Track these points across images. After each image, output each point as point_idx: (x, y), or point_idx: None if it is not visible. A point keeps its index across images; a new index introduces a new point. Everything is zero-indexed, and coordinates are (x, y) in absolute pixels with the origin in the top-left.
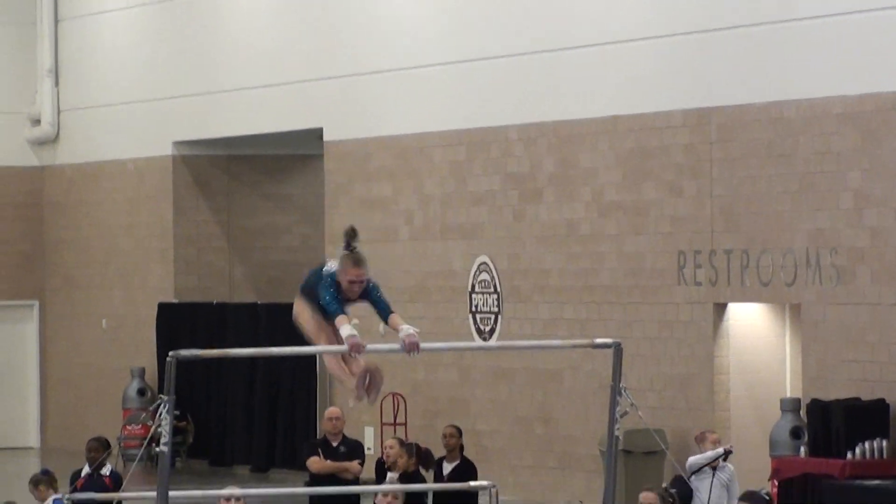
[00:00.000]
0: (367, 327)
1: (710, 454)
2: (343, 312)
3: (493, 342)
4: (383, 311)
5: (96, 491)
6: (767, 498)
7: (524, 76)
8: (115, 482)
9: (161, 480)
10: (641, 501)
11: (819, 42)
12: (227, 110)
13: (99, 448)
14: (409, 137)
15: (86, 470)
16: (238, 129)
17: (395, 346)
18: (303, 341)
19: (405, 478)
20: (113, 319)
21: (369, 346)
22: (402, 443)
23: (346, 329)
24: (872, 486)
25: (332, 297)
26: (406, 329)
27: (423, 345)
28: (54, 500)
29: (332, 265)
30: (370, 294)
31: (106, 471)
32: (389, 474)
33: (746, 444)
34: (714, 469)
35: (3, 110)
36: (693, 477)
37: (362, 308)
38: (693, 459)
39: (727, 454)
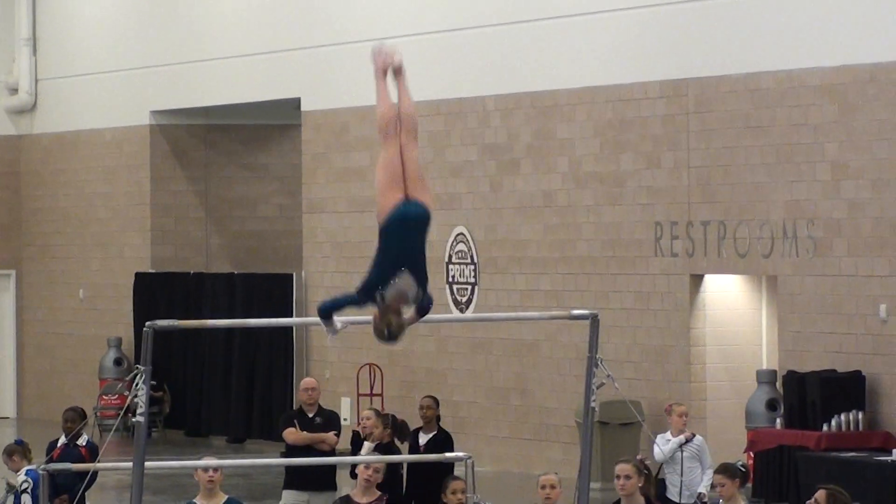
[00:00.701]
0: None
1: (672, 445)
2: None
3: (469, 314)
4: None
5: (73, 461)
6: (743, 469)
7: (501, 46)
8: (92, 452)
9: (137, 451)
10: (617, 472)
11: (796, 14)
12: (205, 80)
13: (76, 418)
14: None
15: (62, 440)
16: (216, 98)
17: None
18: (279, 315)
19: (381, 449)
20: (90, 289)
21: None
22: (378, 413)
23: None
24: (848, 457)
25: (344, 303)
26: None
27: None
28: (27, 471)
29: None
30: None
31: (82, 441)
32: (366, 444)
33: (722, 416)
34: (679, 444)
35: None
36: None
37: None
38: (657, 453)
39: (688, 441)
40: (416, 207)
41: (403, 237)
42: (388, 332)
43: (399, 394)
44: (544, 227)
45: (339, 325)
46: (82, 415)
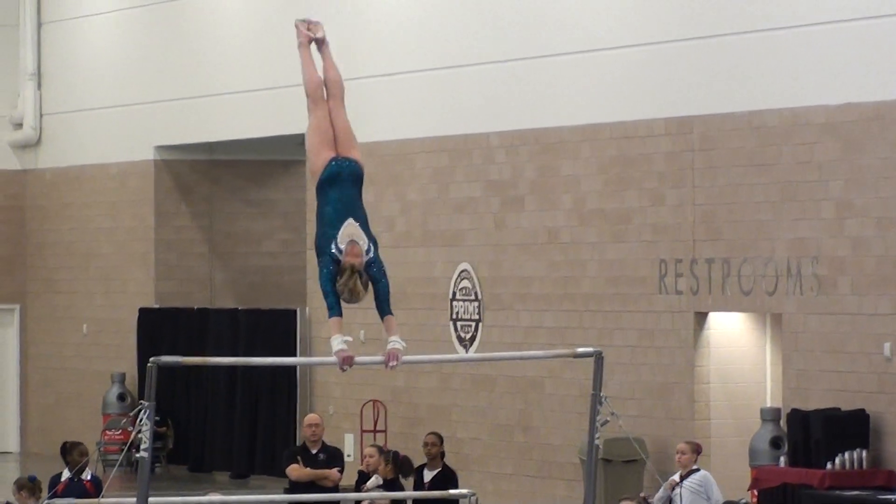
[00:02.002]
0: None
1: (660, 494)
2: (338, 314)
3: (473, 354)
4: (383, 306)
5: (77, 495)
6: None
7: (506, 83)
8: (97, 487)
9: (141, 486)
10: None
11: (801, 51)
12: (209, 115)
13: (86, 452)
14: (390, 144)
15: (66, 475)
16: (220, 133)
17: (378, 358)
18: (283, 351)
19: (385, 485)
20: (93, 324)
21: (359, 359)
22: (380, 450)
23: (336, 341)
24: (852, 496)
25: (329, 286)
26: (393, 342)
27: (403, 357)
28: None
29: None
30: (373, 276)
31: (87, 475)
32: (371, 480)
33: (726, 454)
34: (682, 479)
35: None
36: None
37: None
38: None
39: (675, 486)
40: (349, 163)
41: (340, 191)
42: (352, 287)
43: (403, 430)
44: (548, 264)
45: (341, 344)
46: (84, 451)
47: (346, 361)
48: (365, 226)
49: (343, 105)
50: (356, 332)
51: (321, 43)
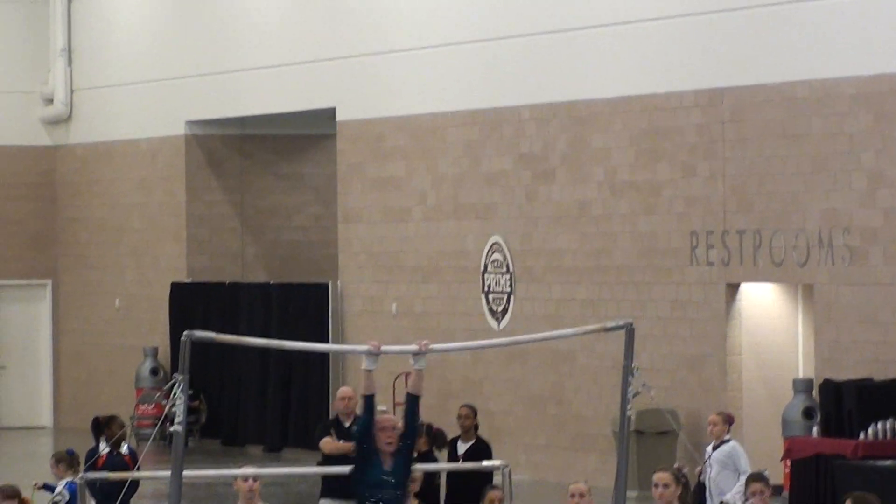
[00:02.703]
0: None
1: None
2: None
3: (502, 338)
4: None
5: (117, 468)
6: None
7: (537, 56)
8: (134, 460)
9: (175, 460)
10: (655, 481)
11: (832, 23)
12: (241, 90)
13: (123, 425)
14: (422, 117)
15: (103, 447)
16: (251, 108)
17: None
18: (315, 325)
19: (419, 458)
20: (125, 299)
21: (386, 348)
22: None
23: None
24: (885, 466)
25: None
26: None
27: (435, 345)
28: (68, 484)
29: None
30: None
31: (124, 449)
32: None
33: (759, 424)
34: (714, 449)
35: (15, 90)
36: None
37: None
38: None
39: (716, 448)
40: None
41: None
42: None
43: (435, 403)
44: (580, 237)
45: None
46: (121, 423)
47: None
48: None
49: None
50: (389, 306)
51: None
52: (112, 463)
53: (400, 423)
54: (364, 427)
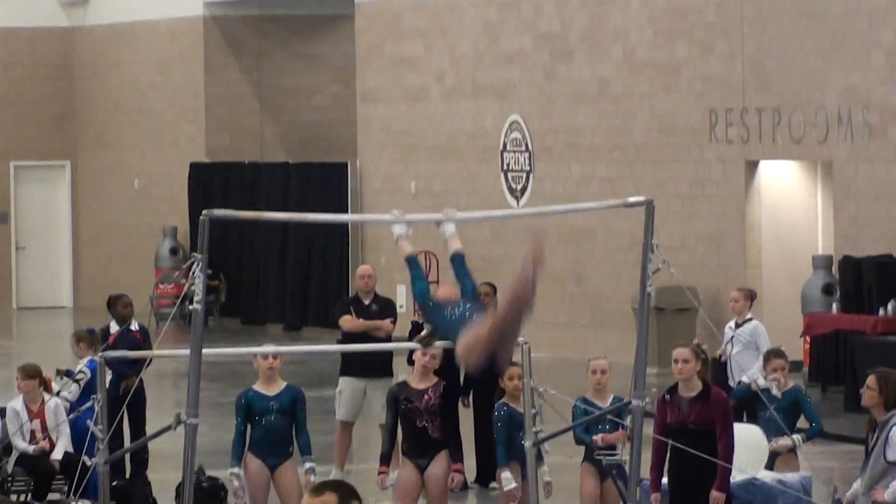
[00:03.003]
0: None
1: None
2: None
3: (524, 209)
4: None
5: (128, 346)
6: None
7: None
8: (144, 336)
9: (194, 338)
10: (675, 357)
11: None
12: None
13: (131, 304)
14: None
15: (114, 327)
16: None
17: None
18: (334, 204)
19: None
20: (145, 179)
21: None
22: None
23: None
24: None
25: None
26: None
27: (458, 214)
28: (89, 362)
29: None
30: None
31: (134, 326)
32: (425, 330)
33: (778, 301)
34: (735, 329)
35: None
36: (725, 340)
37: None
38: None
39: (739, 326)
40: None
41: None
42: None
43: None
44: (599, 115)
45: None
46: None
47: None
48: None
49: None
50: (408, 185)
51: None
52: (123, 340)
53: (456, 291)
54: (421, 293)
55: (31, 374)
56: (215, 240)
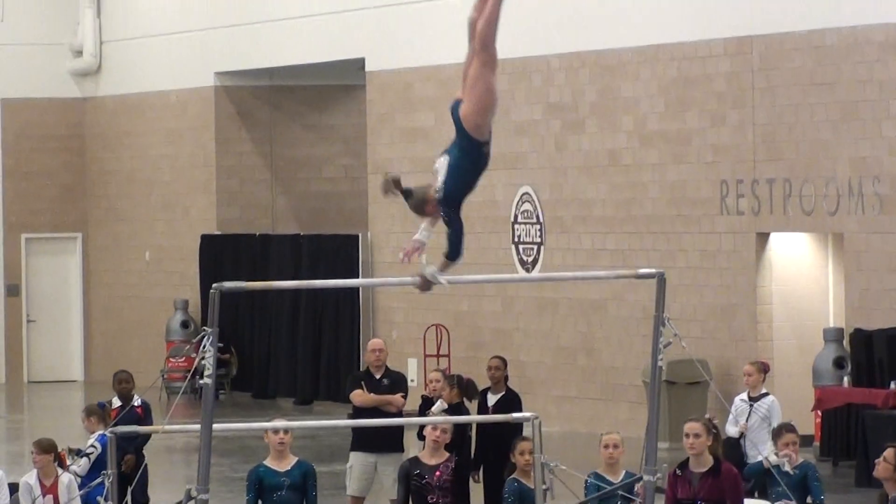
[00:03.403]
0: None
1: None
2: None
3: (535, 274)
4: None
5: (131, 421)
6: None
7: (566, 5)
8: (147, 412)
9: (205, 413)
10: (687, 431)
11: None
12: (270, 41)
13: (130, 379)
14: (450, 67)
15: (115, 402)
16: (280, 59)
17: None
18: (345, 276)
19: (450, 409)
20: (156, 251)
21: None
22: (444, 375)
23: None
24: None
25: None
26: (425, 266)
27: (466, 277)
28: (99, 436)
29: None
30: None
31: (137, 401)
32: (437, 403)
33: (789, 374)
34: (752, 403)
35: (45, 42)
36: (735, 413)
37: None
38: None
39: (755, 401)
40: (455, 106)
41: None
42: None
43: (466, 354)
44: (610, 186)
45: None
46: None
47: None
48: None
49: (479, 57)
50: (419, 257)
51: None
52: (125, 416)
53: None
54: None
55: (47, 448)
56: (226, 313)
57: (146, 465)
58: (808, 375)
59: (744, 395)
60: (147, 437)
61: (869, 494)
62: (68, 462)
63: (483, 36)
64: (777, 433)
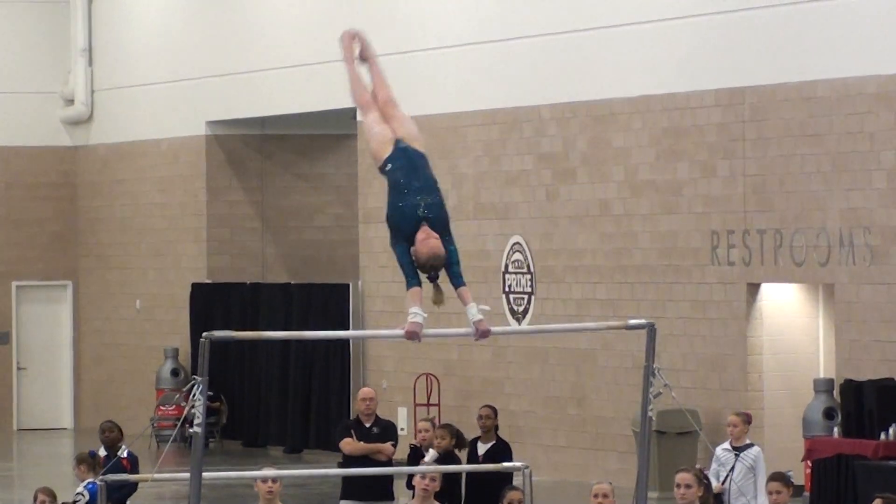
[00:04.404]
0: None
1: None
2: (417, 284)
3: (526, 326)
4: (455, 280)
5: (116, 472)
6: (793, 481)
7: (557, 55)
8: (133, 463)
9: (195, 461)
10: (678, 482)
11: (852, 21)
12: (261, 90)
13: (115, 429)
14: (441, 117)
15: (102, 452)
16: (271, 108)
17: (466, 330)
18: (336, 325)
19: (444, 458)
20: (146, 299)
21: (433, 331)
22: (434, 424)
23: (413, 311)
24: None
25: (405, 258)
26: (475, 313)
27: (450, 330)
28: (88, 484)
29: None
30: (448, 261)
31: (123, 453)
32: (430, 452)
33: (780, 425)
34: (737, 453)
35: (36, 90)
36: (718, 463)
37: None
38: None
39: (740, 451)
40: (411, 148)
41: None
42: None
43: (456, 403)
44: (600, 236)
45: (416, 317)
46: (120, 429)
47: (412, 336)
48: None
49: (396, 105)
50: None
51: (365, 58)
52: (111, 466)
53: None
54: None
55: (53, 495)
56: (216, 361)
57: None
58: (799, 426)
59: (726, 445)
60: (133, 489)
61: None
62: None
63: (392, 101)
64: (769, 480)
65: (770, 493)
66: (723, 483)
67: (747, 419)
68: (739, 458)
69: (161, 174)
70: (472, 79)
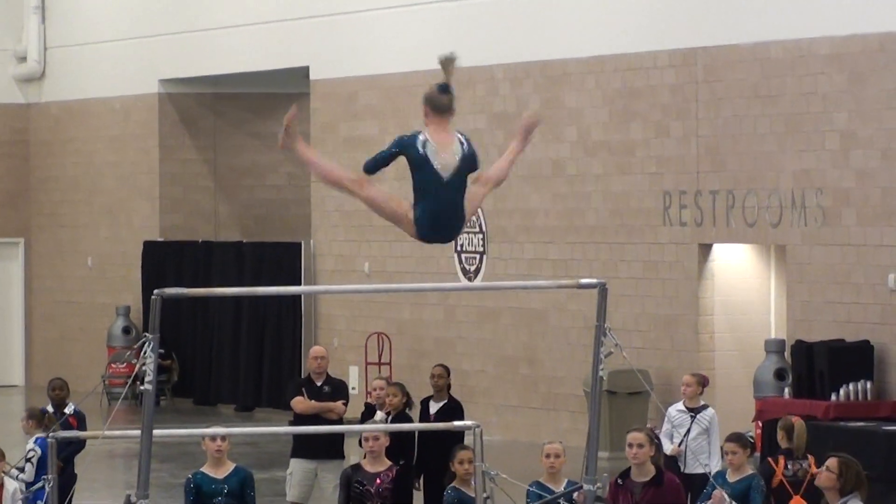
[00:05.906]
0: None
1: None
2: (365, 172)
3: (478, 283)
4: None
5: (63, 430)
6: (751, 440)
7: (510, 15)
8: (80, 421)
9: (145, 419)
10: (630, 441)
11: None
12: (214, 48)
13: (63, 387)
14: (395, 76)
15: (49, 409)
16: (224, 67)
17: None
18: (288, 282)
19: (398, 416)
20: (98, 257)
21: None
22: (388, 382)
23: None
24: (856, 427)
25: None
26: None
27: (407, 286)
28: (37, 439)
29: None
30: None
31: (69, 410)
32: (378, 413)
33: (731, 385)
34: (693, 414)
35: None
36: (671, 423)
37: None
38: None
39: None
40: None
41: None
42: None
43: (407, 362)
44: (553, 197)
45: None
46: (67, 386)
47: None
48: None
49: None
50: (361, 265)
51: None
52: (58, 425)
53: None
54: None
55: None
56: (168, 319)
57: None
58: (750, 386)
59: (679, 406)
60: (81, 446)
61: None
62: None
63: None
64: (725, 441)
65: (727, 453)
66: (679, 445)
67: (703, 381)
68: (696, 420)
69: (114, 132)
70: (425, 38)
